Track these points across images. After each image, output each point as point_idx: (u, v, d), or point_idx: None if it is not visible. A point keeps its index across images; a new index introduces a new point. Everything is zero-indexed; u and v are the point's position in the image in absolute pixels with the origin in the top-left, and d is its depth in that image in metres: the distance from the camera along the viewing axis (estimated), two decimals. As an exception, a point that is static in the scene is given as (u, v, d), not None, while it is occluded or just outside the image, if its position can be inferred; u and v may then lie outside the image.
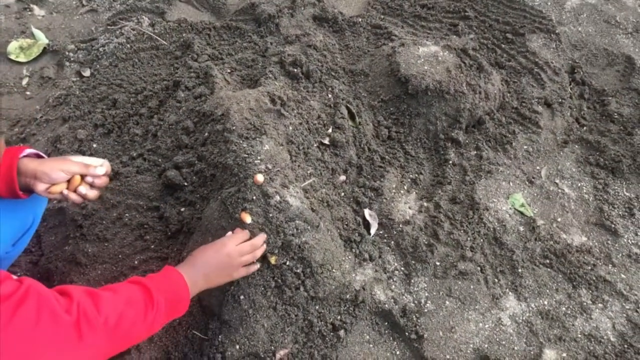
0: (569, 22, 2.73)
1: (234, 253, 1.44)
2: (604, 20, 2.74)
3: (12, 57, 2.51)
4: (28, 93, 2.40)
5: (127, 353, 1.60)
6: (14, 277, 1.07)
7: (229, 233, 1.52)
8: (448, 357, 1.65)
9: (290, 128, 1.91)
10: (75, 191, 1.39)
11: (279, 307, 1.58)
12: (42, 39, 2.57)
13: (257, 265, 1.51)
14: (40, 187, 1.34)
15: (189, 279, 1.34)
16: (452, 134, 2.17)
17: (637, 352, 1.68)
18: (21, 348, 0.97)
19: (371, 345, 1.66)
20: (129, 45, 2.48)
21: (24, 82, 2.44)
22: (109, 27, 2.61)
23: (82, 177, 1.39)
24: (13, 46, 2.54)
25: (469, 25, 2.65)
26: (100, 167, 1.41)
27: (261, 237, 1.51)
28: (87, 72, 2.43)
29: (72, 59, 2.49)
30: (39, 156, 1.43)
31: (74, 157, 1.42)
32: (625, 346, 1.70)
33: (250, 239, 1.50)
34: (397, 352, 1.66)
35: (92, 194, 1.40)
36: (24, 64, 2.51)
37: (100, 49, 2.48)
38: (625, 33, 2.68)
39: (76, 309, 1.05)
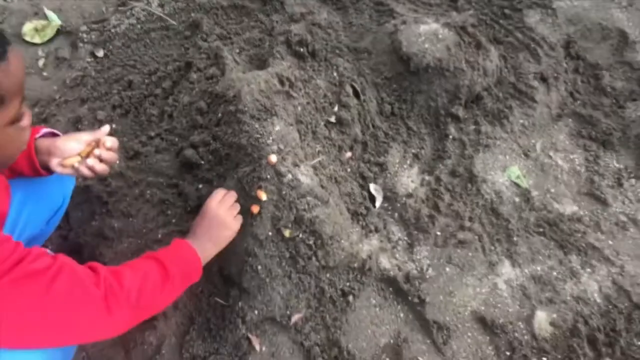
0: (565, -4, 2.81)
1: (221, 210, 1.59)
2: (599, -5, 2.83)
3: (27, 38, 2.60)
4: (45, 74, 2.50)
5: (154, 319, 1.75)
6: (49, 252, 1.21)
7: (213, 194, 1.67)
8: (448, 319, 1.80)
9: (299, 108, 2.02)
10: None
11: (293, 275, 1.73)
12: (56, 20, 2.65)
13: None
14: (54, 161, 1.42)
15: (197, 247, 1.47)
16: (452, 109, 2.28)
17: (620, 311, 1.84)
18: (56, 317, 1.11)
19: (377, 309, 1.82)
20: (139, 26, 2.57)
21: (40, 63, 2.54)
22: (119, 7, 2.69)
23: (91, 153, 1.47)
24: (28, 28, 2.62)
25: (468, 1, 2.73)
26: (108, 137, 1.50)
27: (234, 193, 1.69)
28: (100, 53, 2.52)
29: (85, 40, 2.58)
30: (54, 135, 1.53)
31: (83, 133, 1.51)
32: (610, 307, 1.85)
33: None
34: (401, 315, 1.82)
35: (100, 167, 1.45)
36: (39, 45, 2.60)
37: (112, 30, 2.57)
38: (619, 7, 2.76)
39: (103, 284, 1.17)
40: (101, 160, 1.48)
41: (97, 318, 1.16)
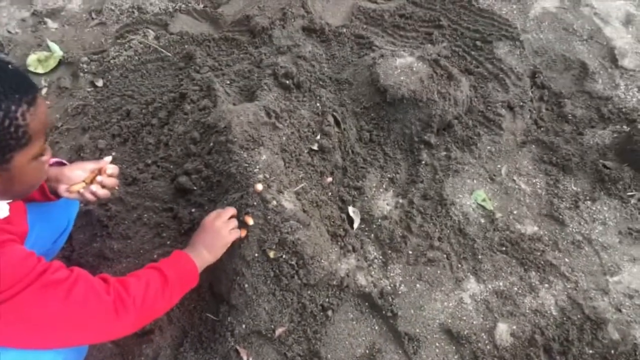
0: (532, 29, 3.03)
1: (217, 222, 1.75)
2: (563, 28, 3.05)
3: (32, 69, 2.79)
4: (48, 102, 2.68)
5: (151, 332, 1.93)
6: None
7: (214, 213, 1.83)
8: (418, 330, 1.99)
9: (284, 138, 2.22)
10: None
11: (277, 292, 1.91)
12: (58, 52, 2.84)
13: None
14: (62, 187, 1.60)
15: (194, 255, 1.64)
16: (425, 137, 2.48)
17: (573, 322, 2.03)
18: (73, 319, 1.29)
19: (354, 322, 2.00)
20: (137, 58, 2.76)
21: (44, 92, 2.72)
22: (117, 40, 2.88)
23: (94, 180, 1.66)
24: (32, 59, 2.81)
25: (442, 33, 2.94)
26: (110, 165, 1.70)
27: (232, 209, 1.86)
28: (99, 83, 2.71)
29: (85, 70, 2.77)
30: (61, 164, 1.72)
31: (87, 162, 1.69)
32: (564, 319, 2.05)
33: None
34: (376, 327, 2.01)
35: (102, 192, 1.65)
36: (42, 75, 2.79)
37: (111, 61, 2.76)
38: (581, 40, 2.99)
39: (113, 292, 1.35)
40: (103, 186, 1.67)
41: (107, 320, 1.34)
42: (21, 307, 1.18)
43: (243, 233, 1.86)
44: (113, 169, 1.71)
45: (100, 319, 1.32)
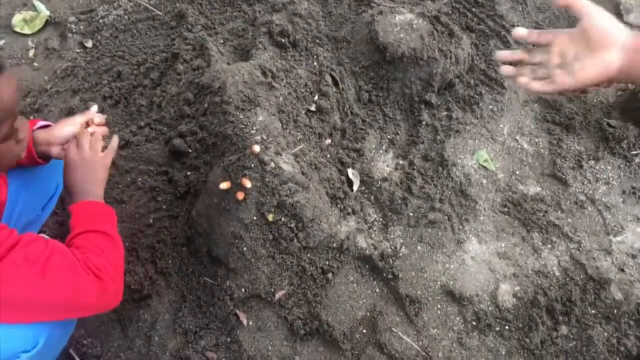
0: (535, -16, 2.94)
1: (84, 154, 1.51)
2: (567, -17, 2.95)
3: (17, 29, 2.68)
4: (35, 64, 2.59)
5: (148, 297, 1.90)
6: (45, 236, 1.33)
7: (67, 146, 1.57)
8: (419, 292, 1.97)
9: (281, 99, 2.15)
10: None
11: (277, 256, 1.88)
12: (44, 11, 2.73)
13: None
14: (55, 149, 1.53)
15: (93, 198, 1.49)
16: (426, 96, 2.41)
17: (576, 283, 2.01)
18: (52, 294, 1.23)
19: (355, 285, 1.97)
20: (126, 17, 2.66)
21: (31, 53, 2.63)
22: (106, -2, 2.78)
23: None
24: (17, 19, 2.70)
25: (442, -11, 2.85)
26: (97, 114, 1.61)
27: (81, 117, 1.62)
28: (89, 43, 2.61)
29: (73, 30, 2.66)
30: (46, 127, 1.63)
31: (74, 117, 1.60)
32: (567, 279, 2.03)
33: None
34: (377, 290, 1.98)
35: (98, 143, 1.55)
36: (29, 35, 2.68)
37: (100, 21, 2.66)
38: (585, -5, 2.90)
39: (86, 265, 1.28)
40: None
41: (91, 294, 1.28)
42: None
43: (241, 196, 1.81)
44: (100, 117, 1.63)
45: (83, 292, 1.27)
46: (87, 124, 1.60)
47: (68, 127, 1.56)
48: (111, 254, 1.39)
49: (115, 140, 1.66)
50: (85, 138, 1.54)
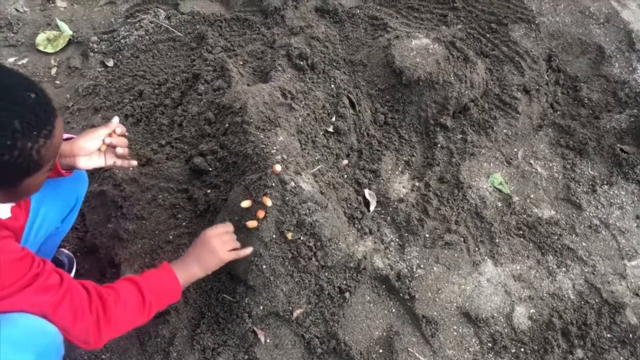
0: (547, 12, 2.99)
1: (215, 240, 1.68)
2: (579, 11, 3.01)
3: (41, 48, 2.75)
4: (57, 82, 2.65)
5: (167, 313, 1.92)
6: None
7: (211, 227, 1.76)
8: (435, 313, 1.98)
9: (300, 119, 2.19)
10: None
11: (295, 274, 1.90)
12: (67, 31, 2.80)
13: (250, 249, 1.78)
14: (81, 160, 1.56)
15: (182, 270, 1.60)
16: (441, 119, 2.45)
17: (591, 307, 2.02)
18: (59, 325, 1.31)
19: (371, 305, 1.99)
20: (147, 37, 2.72)
21: (53, 71, 2.69)
22: (127, 19, 2.84)
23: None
24: (41, 38, 2.77)
25: (457, 15, 2.90)
26: (118, 125, 1.64)
27: (230, 225, 1.80)
28: (110, 63, 2.67)
29: (95, 49, 2.73)
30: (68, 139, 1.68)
31: (97, 129, 1.63)
32: (582, 302, 2.04)
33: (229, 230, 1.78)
34: (393, 310, 2.00)
35: (119, 152, 1.61)
36: (52, 54, 2.75)
37: (122, 41, 2.72)
38: (597, 23, 2.95)
39: (94, 310, 1.35)
40: (115, 147, 1.62)
41: (87, 334, 1.36)
42: (14, 307, 1.23)
43: (261, 214, 1.84)
44: (122, 127, 1.66)
45: (80, 332, 1.34)
46: (110, 135, 1.63)
47: (93, 140, 1.59)
48: (130, 316, 1.46)
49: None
50: (228, 232, 1.75)
